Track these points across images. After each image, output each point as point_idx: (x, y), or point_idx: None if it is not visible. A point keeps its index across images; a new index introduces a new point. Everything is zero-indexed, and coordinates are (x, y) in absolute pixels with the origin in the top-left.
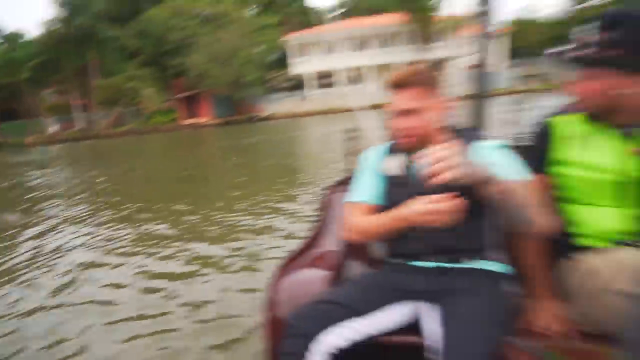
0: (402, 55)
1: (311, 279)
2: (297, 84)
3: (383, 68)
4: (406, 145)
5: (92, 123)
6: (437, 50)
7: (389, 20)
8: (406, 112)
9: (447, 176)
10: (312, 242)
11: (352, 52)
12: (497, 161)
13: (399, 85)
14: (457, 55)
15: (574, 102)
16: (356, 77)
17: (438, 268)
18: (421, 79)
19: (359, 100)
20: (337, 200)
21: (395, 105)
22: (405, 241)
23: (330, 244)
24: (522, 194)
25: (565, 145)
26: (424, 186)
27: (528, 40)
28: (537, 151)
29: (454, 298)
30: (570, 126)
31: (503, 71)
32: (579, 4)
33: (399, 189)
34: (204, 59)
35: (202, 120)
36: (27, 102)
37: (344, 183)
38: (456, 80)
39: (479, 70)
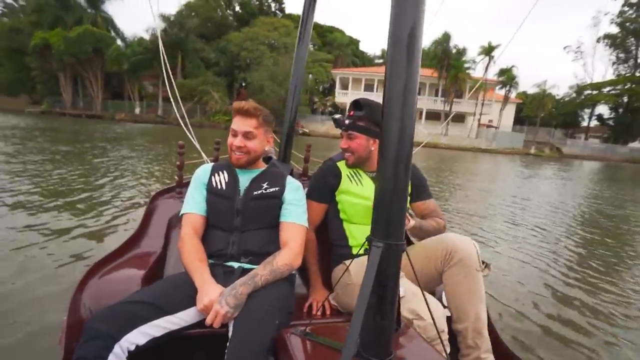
0: (428, 104)
1: (124, 279)
2: (340, 111)
3: None
4: (237, 161)
5: (168, 112)
6: (458, 105)
7: (421, 73)
8: (246, 134)
9: None
10: (131, 243)
11: None
12: (292, 200)
13: (247, 113)
14: (474, 112)
15: (343, 152)
16: None
17: (242, 268)
18: (260, 113)
19: None
20: (162, 205)
21: (241, 127)
22: (220, 244)
23: (151, 245)
24: (293, 235)
25: (345, 180)
26: (244, 201)
27: (534, 111)
28: (326, 185)
29: (250, 293)
30: (345, 168)
31: (509, 131)
32: (580, 89)
33: (224, 201)
34: (263, 76)
35: None
36: (127, 89)
37: (170, 191)
38: (473, 134)
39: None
